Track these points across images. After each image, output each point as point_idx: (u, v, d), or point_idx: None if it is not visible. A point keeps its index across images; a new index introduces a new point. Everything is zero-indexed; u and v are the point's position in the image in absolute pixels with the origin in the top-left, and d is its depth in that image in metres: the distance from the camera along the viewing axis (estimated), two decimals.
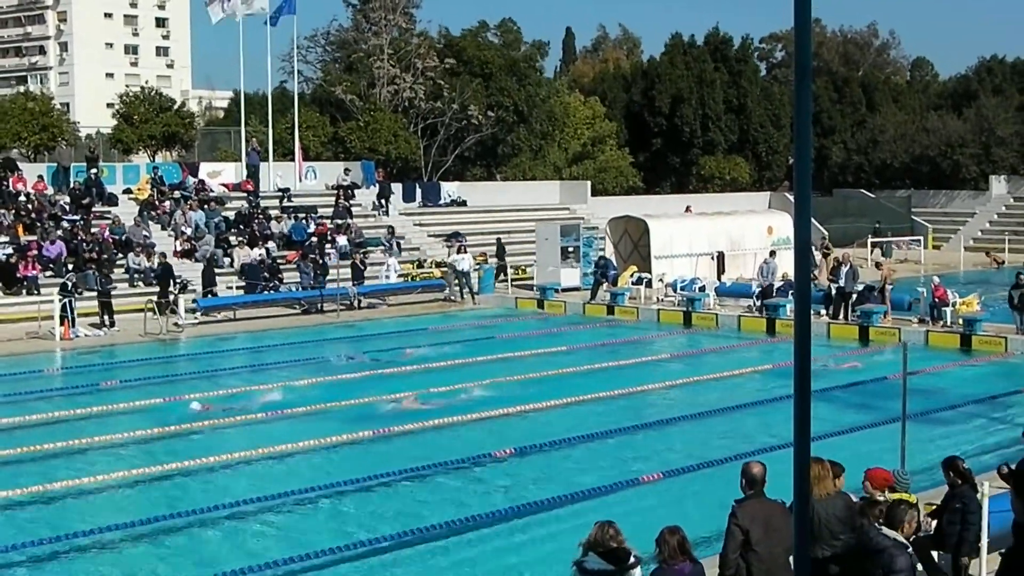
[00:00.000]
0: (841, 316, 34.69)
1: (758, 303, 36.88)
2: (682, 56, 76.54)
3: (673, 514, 15.76)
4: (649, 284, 40.97)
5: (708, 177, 73.81)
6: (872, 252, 55.65)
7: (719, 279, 41.66)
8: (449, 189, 57.26)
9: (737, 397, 24.85)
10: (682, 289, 39.19)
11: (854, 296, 34.77)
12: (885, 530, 10.17)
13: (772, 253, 39.70)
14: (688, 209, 56.41)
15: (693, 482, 18.29)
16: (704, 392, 25.77)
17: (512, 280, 44.86)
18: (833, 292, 35.12)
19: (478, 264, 44.28)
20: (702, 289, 39.00)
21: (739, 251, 45.09)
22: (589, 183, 62.83)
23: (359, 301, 40.54)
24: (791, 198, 62.41)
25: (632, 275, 41.80)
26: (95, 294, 36.58)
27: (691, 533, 14.30)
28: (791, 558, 9.65)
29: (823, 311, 34.90)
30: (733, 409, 23.75)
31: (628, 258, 44.30)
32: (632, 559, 9.56)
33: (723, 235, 45.41)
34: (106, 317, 35.31)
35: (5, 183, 42.61)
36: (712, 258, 44.01)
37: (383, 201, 51.17)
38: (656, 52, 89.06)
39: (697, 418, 23.08)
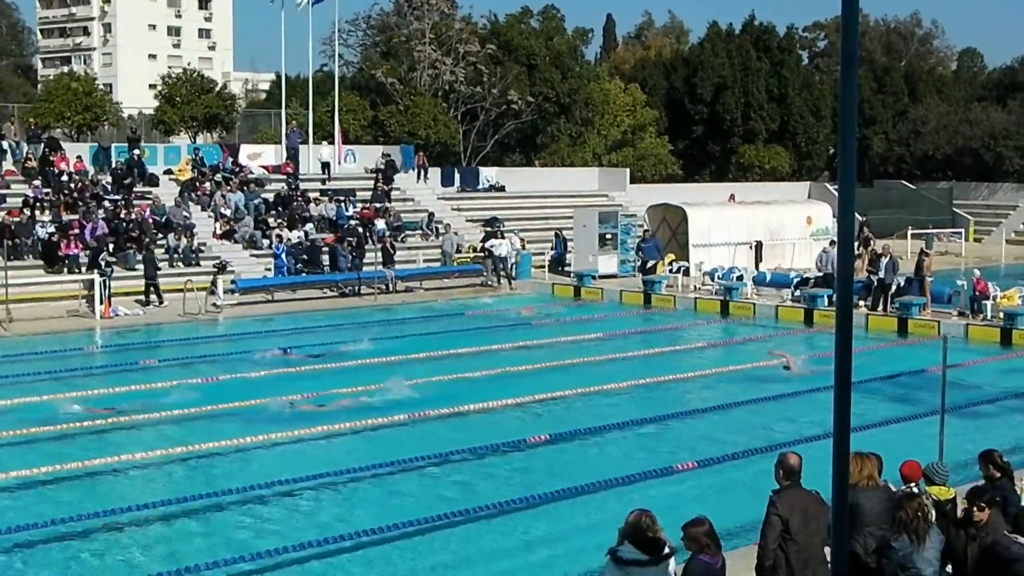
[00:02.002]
0: (880, 308, 34.51)
1: (796, 293, 36.78)
2: (723, 44, 76.22)
3: (707, 503, 15.78)
4: (687, 272, 40.89)
5: (748, 166, 73.50)
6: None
7: (757, 268, 41.53)
8: (488, 174, 57.27)
9: (773, 387, 24.75)
10: (720, 278, 39.08)
11: (894, 288, 34.60)
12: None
13: (832, 243, 39.56)
14: (731, 197, 56.19)
15: (728, 471, 18.26)
16: (740, 381, 25.67)
17: (550, 266, 44.83)
18: (873, 283, 34.94)
19: (515, 249, 44.30)
20: (740, 278, 38.86)
21: (778, 241, 44.97)
22: (628, 170, 62.71)
23: (395, 284, 40.67)
24: (831, 188, 62.15)
25: (669, 263, 41.73)
26: (134, 273, 37.12)
27: (725, 523, 14.34)
28: (827, 548, 9.65)
29: (862, 302, 34.72)
30: (769, 399, 23.67)
31: (666, 246, 44.21)
32: (667, 549, 9.51)
33: (762, 224, 45.30)
34: (152, 296, 35.73)
35: (48, 163, 42.90)
36: (750, 247, 43.87)
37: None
38: (698, 40, 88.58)
39: (733, 407, 23.01)
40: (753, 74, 74.35)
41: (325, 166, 50.54)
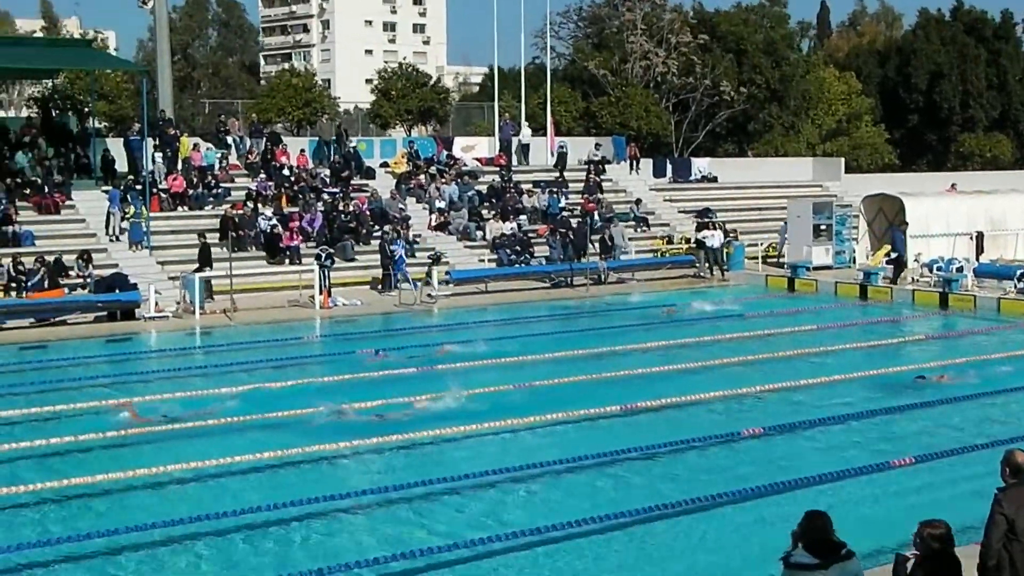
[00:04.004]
0: None
1: (1020, 285, 35.61)
2: (936, 31, 74.29)
3: (924, 501, 15.49)
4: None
5: (967, 155, 71.45)
6: None
7: (978, 260, 40.33)
8: (700, 165, 56.85)
9: (995, 382, 24.01)
10: (938, 270, 38.08)
11: None
12: None
13: None
14: (952, 187, 54.60)
15: (947, 469, 17.79)
16: (960, 376, 24.93)
17: (763, 258, 44.35)
18: None
19: (727, 240, 43.96)
20: (960, 270, 37.77)
21: (1000, 231, 43.63)
22: (843, 160, 61.58)
23: (607, 275, 40.78)
24: None
25: (886, 255, 40.90)
26: (351, 264, 38.19)
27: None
28: None
29: None
30: (991, 394, 22.97)
31: (883, 237, 43.34)
32: (844, 552, 9.28)
33: (982, 215, 43.98)
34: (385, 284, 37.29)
35: (271, 156, 44.22)
36: (971, 238, 42.65)
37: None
38: (909, 27, 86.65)
39: (952, 402, 22.36)
40: (970, 61, 72.26)
41: (525, 148, 50.75)
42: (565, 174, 49.83)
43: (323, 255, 36.00)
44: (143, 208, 37.94)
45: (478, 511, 16.13)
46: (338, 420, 20.51)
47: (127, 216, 37.85)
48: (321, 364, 27.36)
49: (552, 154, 51.67)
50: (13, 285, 32.96)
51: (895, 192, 45.10)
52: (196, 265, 35.74)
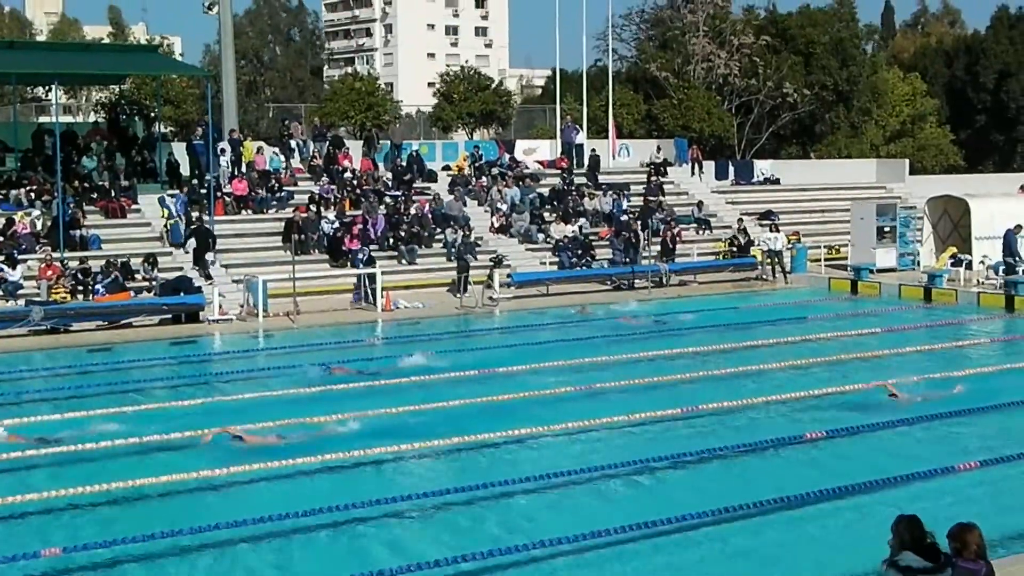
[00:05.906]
0: None
1: None
2: (1007, 30, 73.49)
3: (988, 507, 15.37)
4: (969, 266, 39.61)
5: None
6: None
7: None
8: (762, 167, 56.57)
9: None
10: (1005, 272, 37.64)
11: None
12: None
13: None
14: (1022, 188, 53.82)
15: (1013, 473, 17.61)
16: None
17: (826, 260, 44.06)
18: None
19: (790, 243, 43.74)
20: None
21: None
22: (907, 161, 61.04)
23: (669, 278, 40.72)
24: None
25: (951, 256, 40.54)
26: (413, 267, 38.28)
27: (1010, 527, 13.99)
28: None
29: None
30: None
31: (947, 239, 42.95)
32: (943, 557, 9.14)
33: None
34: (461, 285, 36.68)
35: (333, 160, 44.46)
36: None
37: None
38: (979, 26, 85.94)
39: (1018, 406, 22.15)
40: None
41: (577, 149, 50.41)
42: (620, 177, 49.55)
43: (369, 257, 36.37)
44: (172, 211, 38.28)
45: (530, 513, 16.18)
46: (399, 423, 20.63)
47: (166, 219, 38.13)
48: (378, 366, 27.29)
49: (613, 157, 51.57)
50: (80, 288, 33.43)
51: (960, 194, 44.67)
52: (197, 251, 36.51)
